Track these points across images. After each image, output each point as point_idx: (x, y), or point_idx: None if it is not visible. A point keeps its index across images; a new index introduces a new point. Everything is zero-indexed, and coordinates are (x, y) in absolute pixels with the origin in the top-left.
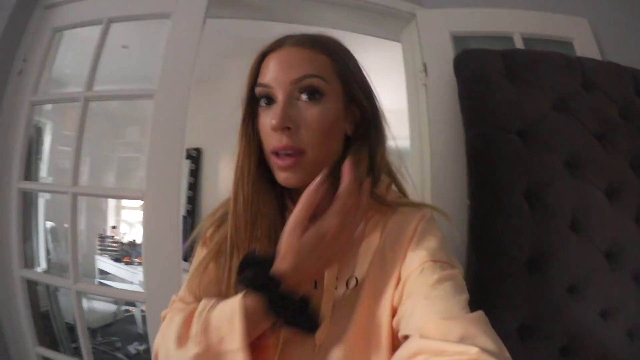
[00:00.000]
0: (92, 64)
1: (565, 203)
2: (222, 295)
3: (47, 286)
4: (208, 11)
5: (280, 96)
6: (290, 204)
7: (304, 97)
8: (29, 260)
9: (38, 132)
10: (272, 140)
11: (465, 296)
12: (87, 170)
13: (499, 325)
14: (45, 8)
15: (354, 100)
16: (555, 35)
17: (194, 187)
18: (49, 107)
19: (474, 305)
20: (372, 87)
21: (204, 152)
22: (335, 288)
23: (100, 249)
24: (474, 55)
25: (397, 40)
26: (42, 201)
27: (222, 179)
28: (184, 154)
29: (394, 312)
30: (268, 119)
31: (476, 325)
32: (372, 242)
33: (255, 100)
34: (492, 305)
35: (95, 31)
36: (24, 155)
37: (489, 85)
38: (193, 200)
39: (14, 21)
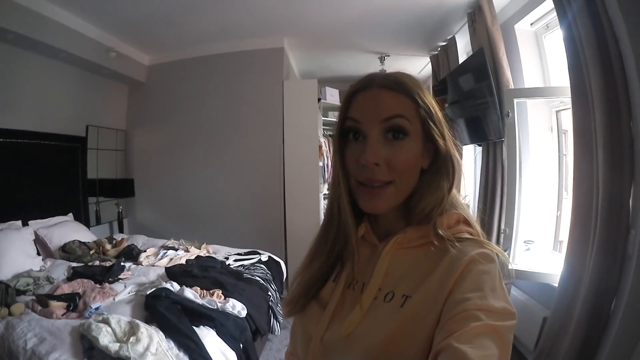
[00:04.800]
0: None
1: None
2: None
3: None
4: None
5: (370, 133)
6: (367, 223)
7: (389, 135)
8: None
9: None
10: (360, 172)
11: (498, 354)
12: None
13: None
14: None
15: (430, 138)
16: None
17: None
18: None
19: None
20: (446, 125)
21: None
22: (376, 297)
23: None
24: None
25: None
26: None
27: None
28: None
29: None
30: (356, 153)
31: None
32: (426, 267)
33: (344, 133)
34: None
35: None
36: None
37: None
38: None
39: None
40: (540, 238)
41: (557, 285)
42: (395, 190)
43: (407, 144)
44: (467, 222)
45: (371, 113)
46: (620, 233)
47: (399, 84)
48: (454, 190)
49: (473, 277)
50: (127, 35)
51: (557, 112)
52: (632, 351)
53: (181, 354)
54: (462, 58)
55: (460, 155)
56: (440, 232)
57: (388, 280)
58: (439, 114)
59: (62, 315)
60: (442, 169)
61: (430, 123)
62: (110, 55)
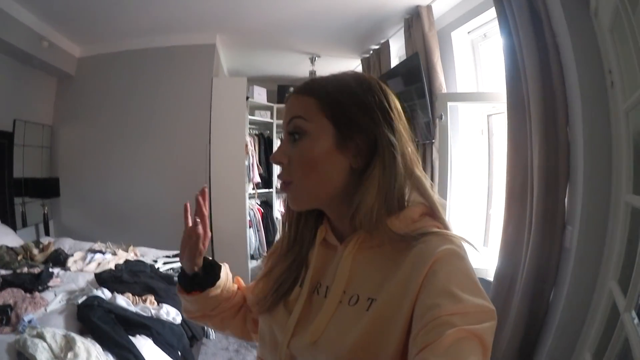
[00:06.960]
0: None
1: None
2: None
3: None
4: None
5: (284, 136)
6: (326, 225)
7: (293, 137)
8: None
9: None
10: None
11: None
12: None
13: None
14: None
15: (348, 135)
16: None
17: None
18: None
19: None
20: (379, 119)
21: None
22: (340, 301)
23: None
24: None
25: None
26: None
27: None
28: None
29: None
30: None
31: None
32: (389, 267)
33: None
34: None
35: None
36: (631, 167)
37: None
38: None
39: None
40: (470, 234)
41: (491, 279)
42: (298, 190)
43: (304, 143)
44: (432, 215)
45: (284, 118)
46: (556, 229)
47: (307, 84)
48: (418, 175)
49: (441, 278)
50: (59, 23)
51: (488, 116)
52: (576, 339)
53: None
54: (394, 62)
55: (397, 152)
56: (396, 231)
57: (352, 283)
58: (363, 106)
59: None
60: (376, 161)
61: (343, 118)
62: (43, 45)
